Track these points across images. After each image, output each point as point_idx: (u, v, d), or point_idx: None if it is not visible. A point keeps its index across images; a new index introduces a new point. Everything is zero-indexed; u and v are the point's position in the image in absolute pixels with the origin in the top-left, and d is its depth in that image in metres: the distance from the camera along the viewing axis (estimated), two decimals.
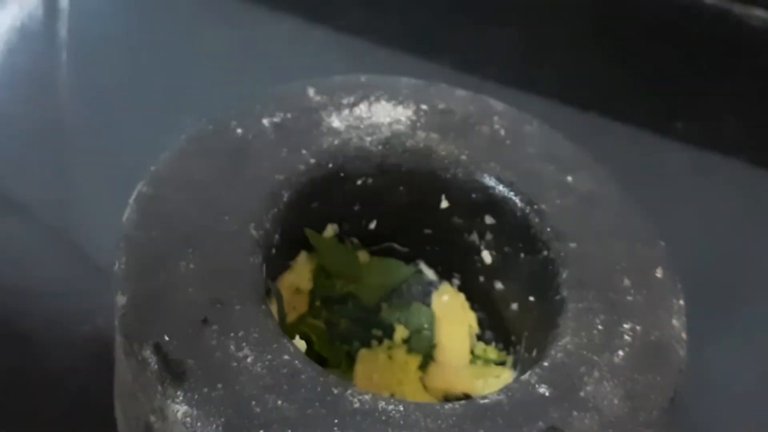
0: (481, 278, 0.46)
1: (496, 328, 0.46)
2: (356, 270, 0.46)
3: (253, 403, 0.34)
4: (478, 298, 0.47)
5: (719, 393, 0.51)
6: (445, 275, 0.47)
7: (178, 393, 0.34)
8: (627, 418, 0.36)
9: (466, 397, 0.44)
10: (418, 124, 0.44)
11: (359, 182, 0.44)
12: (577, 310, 0.39)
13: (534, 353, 0.41)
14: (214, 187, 0.40)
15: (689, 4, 0.71)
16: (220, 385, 0.34)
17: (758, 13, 0.70)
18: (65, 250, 0.56)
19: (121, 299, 0.37)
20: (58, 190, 0.59)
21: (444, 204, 0.45)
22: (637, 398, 0.36)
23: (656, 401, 0.37)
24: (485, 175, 0.43)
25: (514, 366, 0.44)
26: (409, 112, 0.44)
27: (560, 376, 0.37)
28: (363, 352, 0.45)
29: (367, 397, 0.35)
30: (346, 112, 0.44)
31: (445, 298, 0.47)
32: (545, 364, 0.37)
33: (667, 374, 0.38)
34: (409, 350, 0.46)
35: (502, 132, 0.45)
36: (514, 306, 0.45)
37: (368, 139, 0.43)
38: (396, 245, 0.47)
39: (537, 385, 0.36)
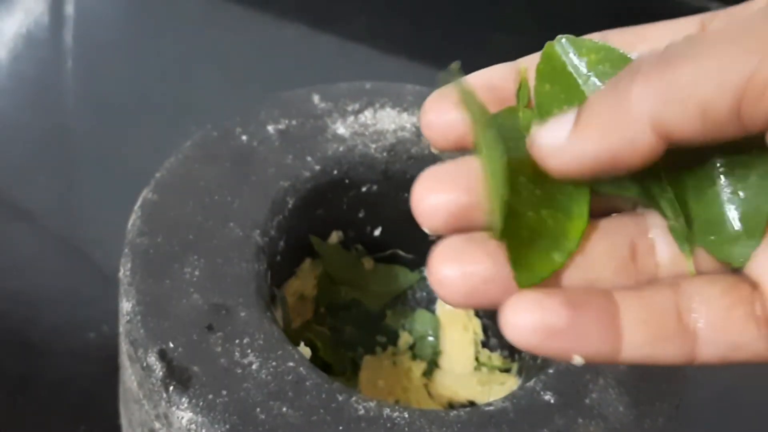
0: None
1: (501, 334, 0.46)
2: (361, 276, 0.46)
3: (258, 409, 0.34)
4: None
5: (724, 400, 0.51)
6: None
7: (183, 399, 0.34)
8: (632, 425, 0.36)
9: (471, 404, 0.44)
10: None
11: (364, 189, 0.44)
12: None
13: (539, 360, 0.41)
14: (219, 194, 0.40)
15: (696, 12, 0.71)
16: (225, 392, 0.34)
17: None
18: (71, 258, 0.56)
19: (126, 306, 0.37)
20: (64, 197, 0.59)
21: None
22: (642, 405, 0.36)
23: (662, 408, 0.37)
24: None
25: (519, 373, 0.44)
26: (414, 119, 0.44)
27: (565, 383, 0.37)
28: (367, 359, 0.45)
29: (371, 403, 0.35)
30: (351, 118, 0.44)
31: None
32: (550, 371, 0.37)
33: (672, 381, 0.38)
34: (414, 357, 0.46)
35: None
36: None
37: (373, 146, 0.43)
38: (401, 252, 0.47)
39: (542, 392, 0.36)
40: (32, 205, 0.57)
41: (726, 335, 0.26)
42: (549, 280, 0.27)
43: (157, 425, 0.36)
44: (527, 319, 0.26)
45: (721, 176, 0.28)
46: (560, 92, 0.30)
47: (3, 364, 0.49)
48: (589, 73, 0.31)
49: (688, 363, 0.27)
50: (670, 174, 0.28)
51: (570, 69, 0.31)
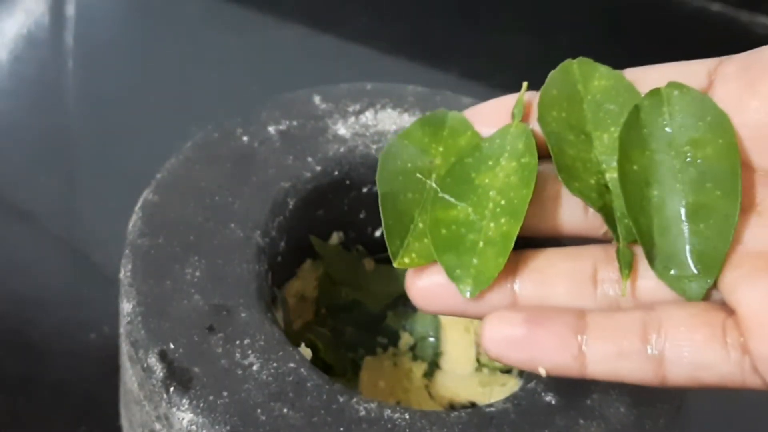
0: None
1: None
2: (362, 277, 0.46)
3: (259, 410, 0.34)
4: None
5: (724, 401, 0.51)
6: None
7: (184, 401, 0.34)
8: (633, 426, 0.36)
9: (472, 405, 0.44)
10: None
11: (365, 190, 0.44)
12: None
13: None
14: (220, 195, 0.40)
15: (696, 12, 0.71)
16: (225, 393, 0.34)
17: (763, 20, 0.70)
18: (71, 259, 0.56)
19: (126, 307, 0.37)
20: (64, 198, 0.59)
21: None
22: (643, 406, 0.36)
23: (662, 409, 0.37)
24: None
25: (520, 374, 0.44)
26: (415, 120, 0.44)
27: (566, 384, 0.37)
28: (368, 360, 0.45)
29: (372, 405, 0.35)
30: (351, 119, 0.44)
31: None
32: None
33: None
34: (415, 358, 0.46)
35: None
36: None
37: (374, 146, 0.43)
38: None
39: (543, 394, 0.36)
40: (32, 206, 0.57)
41: (690, 355, 0.28)
42: (505, 293, 0.30)
43: (158, 426, 0.36)
44: (493, 331, 0.29)
45: (686, 215, 0.29)
46: (564, 111, 0.31)
47: (3, 364, 0.49)
48: (596, 97, 0.32)
49: (659, 383, 0.28)
50: (639, 205, 0.29)
51: (579, 89, 0.32)
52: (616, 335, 0.28)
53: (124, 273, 0.38)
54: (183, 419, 0.34)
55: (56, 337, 0.51)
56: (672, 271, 0.29)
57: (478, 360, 0.46)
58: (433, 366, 0.45)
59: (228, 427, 0.33)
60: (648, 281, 0.30)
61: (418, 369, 0.45)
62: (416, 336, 0.46)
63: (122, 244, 0.39)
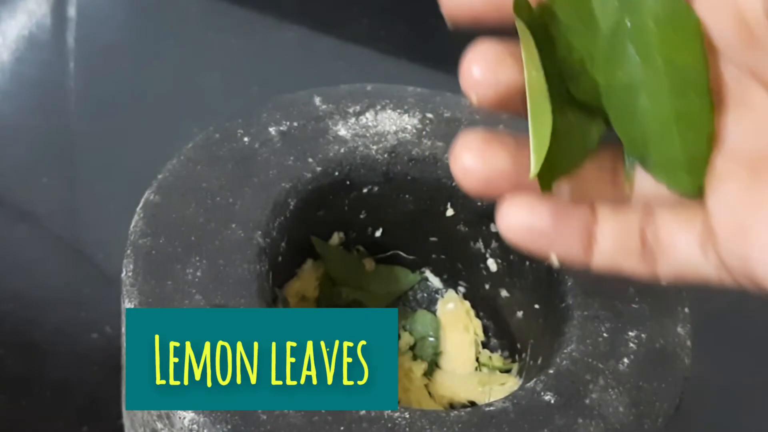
0: (487, 286, 0.46)
1: (501, 335, 0.46)
2: (362, 278, 0.47)
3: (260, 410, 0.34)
4: (483, 305, 0.47)
5: (724, 400, 0.51)
6: (450, 283, 0.47)
7: None
8: (632, 425, 0.36)
9: (472, 404, 0.44)
10: (424, 133, 0.44)
11: (365, 190, 0.44)
12: (583, 317, 0.39)
13: (539, 361, 0.42)
14: (221, 195, 0.41)
15: None
16: None
17: None
18: (73, 259, 0.56)
19: (128, 307, 0.37)
20: (66, 199, 0.59)
21: (450, 212, 0.45)
22: (642, 406, 0.37)
23: (661, 409, 0.37)
24: None
25: (520, 373, 0.44)
26: (415, 121, 0.45)
27: (565, 383, 0.37)
28: None
29: None
30: (352, 120, 0.44)
31: (451, 305, 0.47)
32: (550, 371, 0.37)
33: (672, 382, 0.38)
34: (415, 357, 0.46)
35: None
36: (520, 314, 0.45)
37: (374, 147, 0.44)
38: (402, 253, 0.47)
39: (542, 393, 0.36)
40: (35, 207, 0.57)
41: (676, 257, 0.30)
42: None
43: (160, 425, 0.36)
44: (518, 218, 0.30)
45: (671, 120, 0.30)
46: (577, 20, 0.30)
47: (6, 365, 0.49)
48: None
49: (652, 277, 0.30)
50: (629, 115, 0.30)
51: None
52: (621, 234, 0.30)
53: (126, 273, 0.38)
54: (184, 418, 0.34)
55: (58, 337, 0.51)
56: (666, 175, 0.30)
57: (477, 360, 0.46)
58: (433, 365, 0.46)
59: (229, 426, 0.34)
60: (649, 181, 0.31)
61: (418, 368, 0.45)
62: (416, 336, 0.46)
63: (124, 245, 0.39)
